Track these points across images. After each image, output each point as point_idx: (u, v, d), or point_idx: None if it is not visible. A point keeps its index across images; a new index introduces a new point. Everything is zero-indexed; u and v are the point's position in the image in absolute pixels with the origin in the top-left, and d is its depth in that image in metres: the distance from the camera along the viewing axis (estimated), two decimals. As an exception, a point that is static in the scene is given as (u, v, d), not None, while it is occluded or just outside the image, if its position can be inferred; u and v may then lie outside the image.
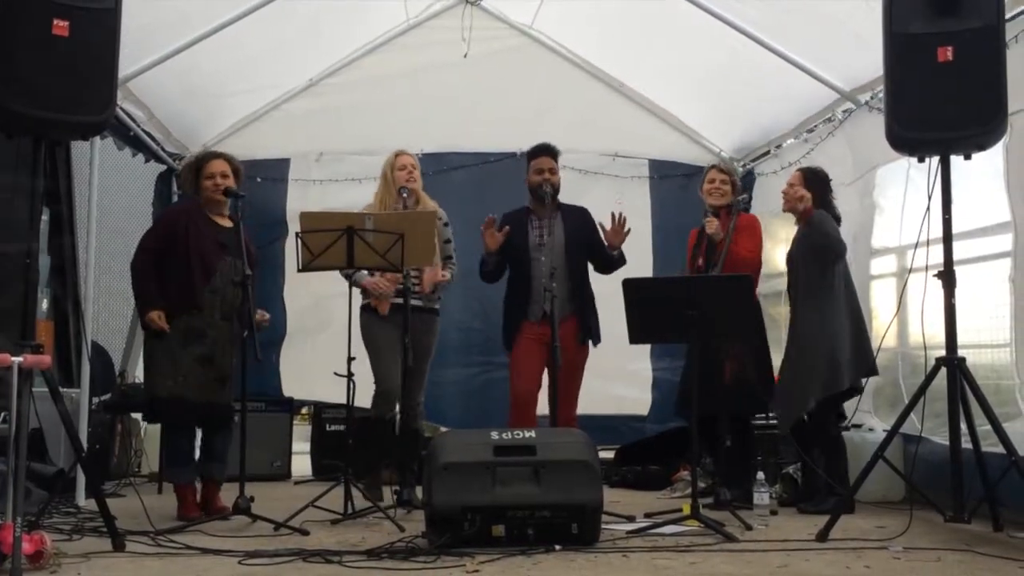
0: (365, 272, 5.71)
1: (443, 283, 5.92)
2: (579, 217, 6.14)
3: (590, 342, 6.06)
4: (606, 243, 5.99)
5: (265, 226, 7.74)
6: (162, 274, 5.36)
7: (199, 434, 5.60)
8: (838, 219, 5.85)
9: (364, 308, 5.87)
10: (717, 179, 6.16)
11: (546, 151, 6.06)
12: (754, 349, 5.84)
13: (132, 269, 5.46)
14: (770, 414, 6.32)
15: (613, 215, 5.95)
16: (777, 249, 6.93)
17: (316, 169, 8.31)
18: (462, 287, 7.70)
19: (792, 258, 5.91)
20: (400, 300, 5.55)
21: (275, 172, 8.24)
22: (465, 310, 7.96)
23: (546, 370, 5.79)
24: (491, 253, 5.99)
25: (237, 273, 5.18)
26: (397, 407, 5.85)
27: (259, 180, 8.02)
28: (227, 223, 5.50)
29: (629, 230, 5.99)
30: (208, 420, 5.43)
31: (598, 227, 6.03)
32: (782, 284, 6.34)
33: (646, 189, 8.45)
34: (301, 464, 7.72)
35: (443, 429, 6.75)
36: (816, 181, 5.88)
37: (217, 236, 5.42)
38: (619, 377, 7.87)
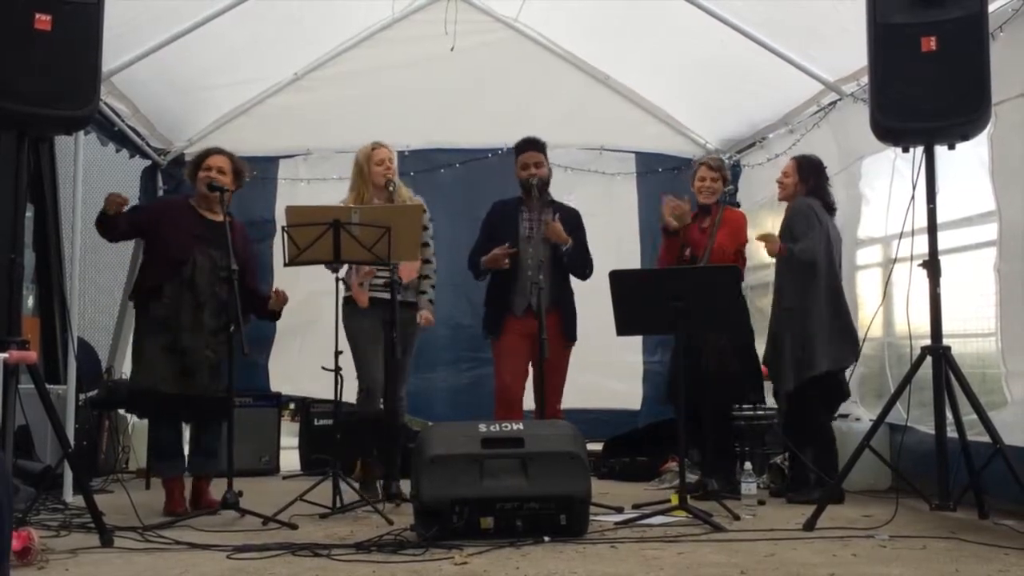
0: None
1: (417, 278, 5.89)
2: (571, 219, 6.12)
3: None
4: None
5: (253, 225, 7.71)
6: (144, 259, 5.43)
7: (188, 428, 5.59)
8: (832, 207, 5.87)
9: (347, 300, 5.85)
10: (708, 177, 6.14)
11: (532, 145, 6.06)
12: (738, 340, 5.86)
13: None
14: (757, 405, 6.36)
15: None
16: (764, 240, 6.94)
17: (304, 168, 8.29)
18: (450, 284, 7.70)
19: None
20: (385, 295, 5.57)
21: (263, 171, 8.20)
22: (453, 306, 7.94)
23: (531, 364, 5.81)
24: (488, 269, 6.01)
25: (222, 268, 5.15)
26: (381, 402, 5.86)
27: (246, 179, 7.97)
28: (216, 217, 5.44)
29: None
30: (190, 413, 5.40)
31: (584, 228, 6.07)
32: (769, 275, 6.35)
33: (633, 182, 8.46)
34: (289, 459, 7.71)
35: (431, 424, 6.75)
36: (810, 169, 5.89)
37: (196, 229, 5.40)
38: (611, 371, 7.87)
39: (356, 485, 5.49)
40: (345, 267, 5.80)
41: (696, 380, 5.58)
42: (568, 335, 6.01)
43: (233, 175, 5.52)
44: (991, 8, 4.74)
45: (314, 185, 8.10)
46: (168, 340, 5.26)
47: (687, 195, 6.21)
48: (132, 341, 5.50)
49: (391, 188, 5.75)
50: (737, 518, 4.93)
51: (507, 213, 6.08)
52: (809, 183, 5.86)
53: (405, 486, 5.22)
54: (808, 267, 5.63)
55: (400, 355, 5.38)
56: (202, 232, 5.38)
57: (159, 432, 5.51)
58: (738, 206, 6.29)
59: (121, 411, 7.24)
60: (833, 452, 5.64)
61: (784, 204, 6.07)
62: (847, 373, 5.82)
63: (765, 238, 5.65)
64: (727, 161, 8.25)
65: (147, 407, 5.45)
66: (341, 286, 5.57)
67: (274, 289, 5.61)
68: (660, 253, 6.29)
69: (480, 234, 6.18)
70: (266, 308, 5.57)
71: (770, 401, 6.26)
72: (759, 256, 6.66)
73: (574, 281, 6.13)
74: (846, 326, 5.71)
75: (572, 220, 6.12)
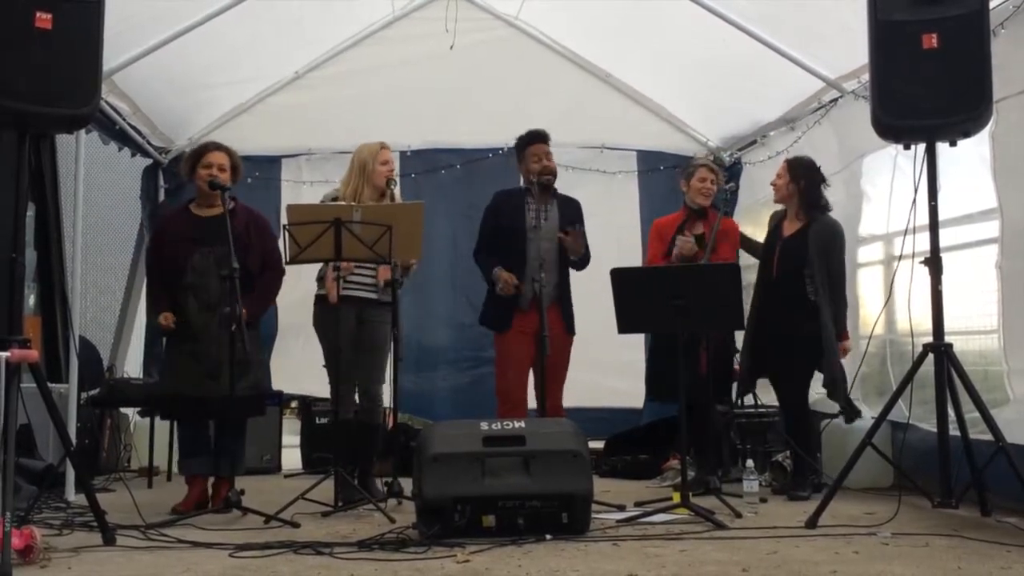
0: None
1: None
2: (572, 209, 6.15)
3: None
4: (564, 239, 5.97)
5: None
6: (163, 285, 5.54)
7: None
8: (826, 209, 5.89)
9: (319, 299, 5.78)
10: (708, 179, 6.19)
11: (540, 138, 6.06)
12: (723, 339, 5.90)
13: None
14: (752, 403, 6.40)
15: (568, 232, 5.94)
16: (764, 238, 6.93)
17: (307, 170, 8.29)
18: (450, 284, 7.72)
19: (790, 249, 5.90)
20: (360, 293, 5.63)
21: (266, 172, 8.20)
22: (453, 306, 7.96)
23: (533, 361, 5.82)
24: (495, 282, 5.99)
25: (223, 265, 5.12)
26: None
27: (249, 181, 7.98)
28: (215, 211, 5.44)
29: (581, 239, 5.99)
30: (208, 415, 5.43)
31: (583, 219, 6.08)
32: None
33: (634, 180, 8.46)
34: (291, 457, 7.71)
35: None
36: (802, 170, 5.92)
37: (192, 231, 5.45)
38: (613, 369, 7.86)
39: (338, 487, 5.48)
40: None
41: (692, 378, 5.59)
42: (570, 328, 6.01)
43: (231, 171, 5.55)
44: (992, 5, 4.73)
45: (316, 188, 8.07)
46: (186, 345, 5.37)
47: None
48: (163, 350, 5.75)
49: (392, 187, 5.76)
50: (739, 516, 4.93)
51: (512, 203, 6.06)
52: (800, 184, 5.89)
53: (407, 485, 5.22)
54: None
55: (369, 353, 5.47)
56: (197, 233, 5.42)
57: (183, 430, 5.64)
58: (729, 215, 6.31)
59: (124, 410, 7.26)
60: (814, 440, 5.76)
61: (779, 206, 6.11)
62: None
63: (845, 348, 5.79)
64: (728, 159, 8.28)
65: (171, 410, 5.64)
66: (314, 285, 5.60)
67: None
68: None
69: (483, 225, 6.17)
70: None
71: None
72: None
73: (576, 279, 6.13)
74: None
75: (575, 211, 6.14)
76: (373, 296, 5.70)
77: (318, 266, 5.68)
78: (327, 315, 5.60)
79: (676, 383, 5.13)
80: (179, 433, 5.71)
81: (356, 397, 5.79)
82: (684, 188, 6.29)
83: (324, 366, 5.54)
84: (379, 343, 5.73)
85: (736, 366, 6.14)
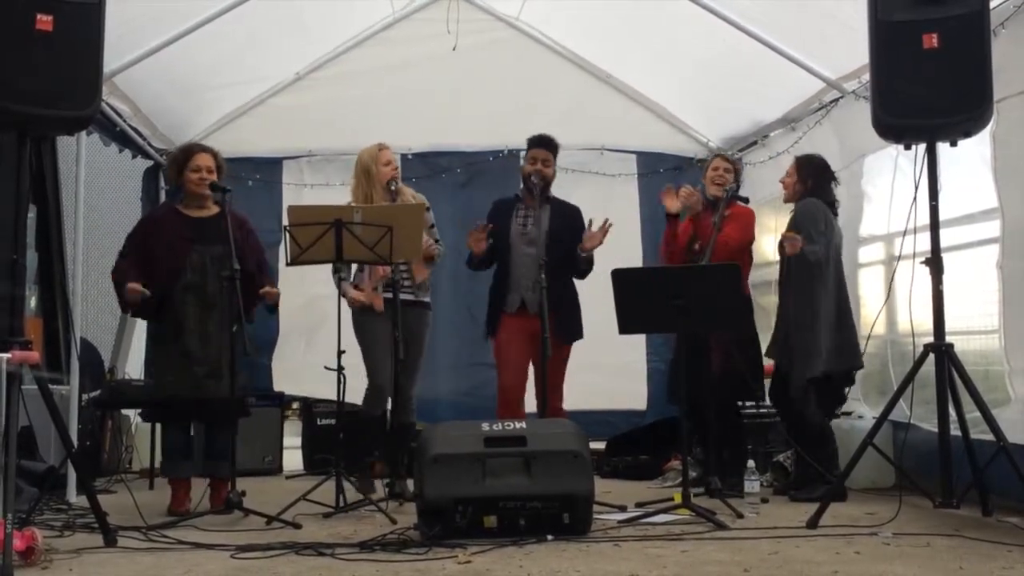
0: (348, 285, 5.74)
1: (433, 259, 5.90)
2: (568, 215, 6.08)
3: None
4: (582, 244, 5.89)
5: (260, 232, 7.67)
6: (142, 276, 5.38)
7: (200, 430, 5.64)
8: (832, 206, 5.87)
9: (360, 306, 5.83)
10: (721, 167, 6.17)
11: (543, 143, 6.02)
12: (742, 338, 5.86)
13: (112, 276, 5.49)
14: (761, 403, 6.36)
15: (604, 221, 5.86)
16: (766, 238, 6.94)
17: (308, 172, 8.28)
18: (451, 288, 7.70)
19: (783, 245, 5.91)
20: (391, 295, 5.56)
21: (267, 174, 8.20)
22: (455, 311, 7.95)
23: (532, 364, 5.81)
24: (476, 255, 5.97)
25: (223, 265, 5.13)
26: (388, 402, 5.85)
27: (250, 184, 7.98)
28: (207, 212, 5.47)
29: (606, 230, 5.89)
30: (205, 416, 5.43)
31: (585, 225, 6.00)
32: (773, 274, 6.35)
33: (634, 183, 8.44)
34: (293, 459, 7.72)
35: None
36: (808, 168, 5.91)
37: (185, 232, 5.42)
38: (615, 371, 7.85)
39: (358, 485, 5.49)
40: (353, 271, 5.83)
41: (701, 378, 5.58)
42: (565, 335, 5.88)
43: (216, 171, 5.55)
44: (993, 5, 4.73)
45: (317, 191, 8.08)
46: (180, 347, 5.33)
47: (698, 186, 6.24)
48: (154, 352, 5.63)
49: (393, 187, 5.77)
50: (740, 516, 4.93)
51: (503, 210, 6.06)
52: (807, 183, 5.88)
53: (410, 486, 5.22)
54: (814, 268, 5.63)
55: (404, 355, 5.38)
56: (193, 233, 5.41)
57: (169, 433, 5.57)
58: (747, 201, 6.28)
59: (125, 412, 7.26)
60: (833, 450, 5.64)
61: (790, 205, 6.10)
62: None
63: (788, 237, 5.58)
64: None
65: (166, 415, 5.54)
66: (315, 289, 5.59)
67: (264, 290, 5.46)
68: (663, 239, 6.28)
69: None
70: (257, 296, 5.46)
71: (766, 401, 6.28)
72: (763, 254, 6.68)
73: (576, 282, 6.10)
74: (849, 335, 5.73)
75: (573, 219, 6.08)
76: (410, 297, 5.77)
77: (318, 270, 5.68)
78: (368, 319, 5.71)
79: (705, 384, 5.13)
80: (164, 436, 5.61)
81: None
82: (703, 181, 6.31)
83: (326, 367, 5.51)
84: (417, 347, 5.81)
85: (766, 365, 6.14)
